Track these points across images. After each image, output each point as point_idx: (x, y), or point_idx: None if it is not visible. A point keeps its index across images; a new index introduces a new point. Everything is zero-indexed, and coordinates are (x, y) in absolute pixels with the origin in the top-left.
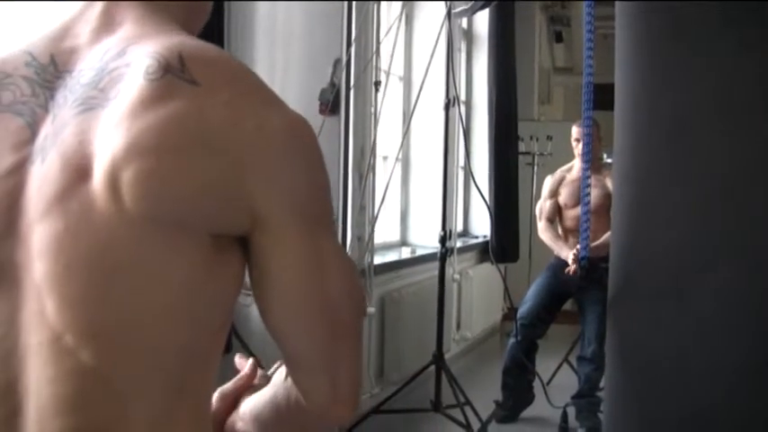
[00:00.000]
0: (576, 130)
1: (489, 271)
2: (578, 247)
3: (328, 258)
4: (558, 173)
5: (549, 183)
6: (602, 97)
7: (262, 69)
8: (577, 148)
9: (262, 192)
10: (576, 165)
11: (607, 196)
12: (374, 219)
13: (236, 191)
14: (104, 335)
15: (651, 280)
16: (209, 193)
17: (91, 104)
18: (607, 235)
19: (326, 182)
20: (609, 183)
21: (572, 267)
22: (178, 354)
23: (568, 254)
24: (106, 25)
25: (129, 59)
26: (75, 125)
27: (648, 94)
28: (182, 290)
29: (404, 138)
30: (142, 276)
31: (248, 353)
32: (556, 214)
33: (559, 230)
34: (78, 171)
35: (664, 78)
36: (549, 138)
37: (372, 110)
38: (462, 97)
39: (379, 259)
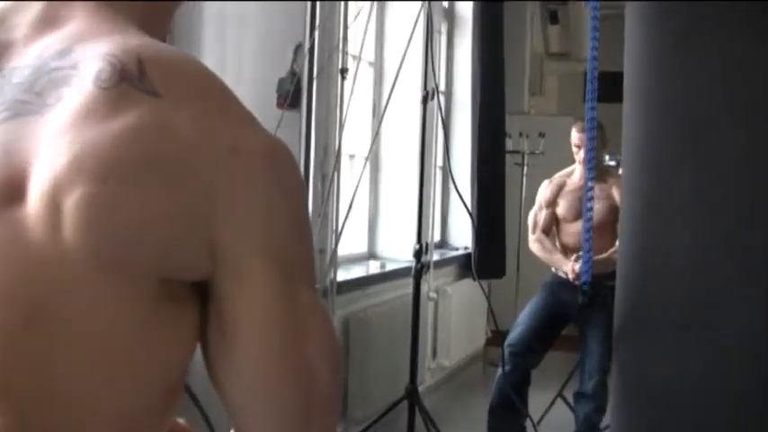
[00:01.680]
0: (576, 136)
1: (471, 288)
2: (579, 254)
3: (306, 314)
4: (557, 179)
5: (545, 190)
6: (602, 88)
7: (210, 57)
8: (578, 154)
9: (230, 227)
10: (578, 170)
11: (613, 209)
12: (339, 228)
13: (199, 225)
14: (18, 392)
15: (665, 304)
16: (166, 225)
17: (22, 110)
18: (614, 248)
19: (308, 218)
20: (616, 193)
21: (571, 275)
22: (116, 420)
23: (569, 267)
24: (49, 19)
25: (75, 60)
26: (0, 134)
27: (663, 96)
28: (123, 345)
29: (374, 134)
30: (73, 325)
31: (201, 415)
32: (552, 227)
33: (557, 245)
34: (4, 190)
35: (679, 76)
36: (542, 134)
37: (338, 102)
38: (442, 87)
39: (343, 275)
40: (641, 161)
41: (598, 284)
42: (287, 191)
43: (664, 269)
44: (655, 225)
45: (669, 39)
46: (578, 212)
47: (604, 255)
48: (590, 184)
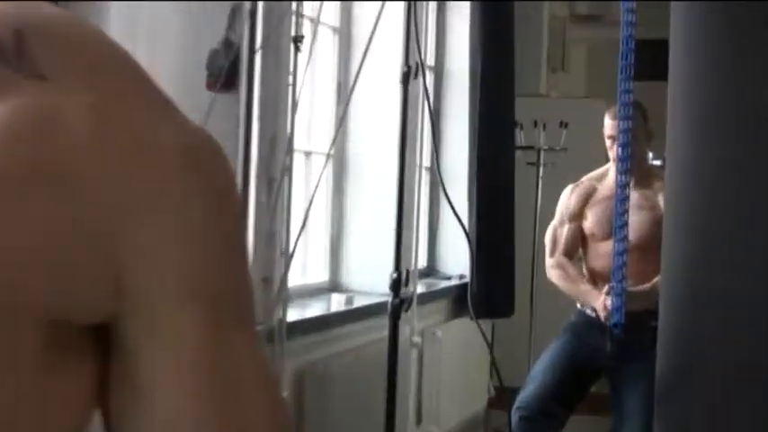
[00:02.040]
0: (610, 125)
1: (468, 331)
2: (609, 285)
3: (240, 367)
4: (585, 183)
5: (569, 198)
6: (648, 60)
7: (116, 23)
8: (612, 149)
9: (139, 255)
10: (613, 172)
11: (660, 223)
12: (290, 249)
13: (97, 252)
14: None
15: (725, 352)
16: (54, 251)
17: None
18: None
19: (243, 241)
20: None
21: (602, 312)
22: None
23: (599, 302)
24: None
25: None
26: None
27: (720, 89)
28: None
29: (339, 124)
30: None
31: None
32: (578, 247)
33: (584, 272)
34: None
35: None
36: (564, 124)
37: (291, 81)
38: (430, 62)
39: (296, 313)
40: (691, 161)
41: (637, 325)
42: (214, 205)
43: (723, 303)
44: (709, 244)
45: (728, 34)
46: (612, 228)
47: (647, 285)
48: (622, 190)
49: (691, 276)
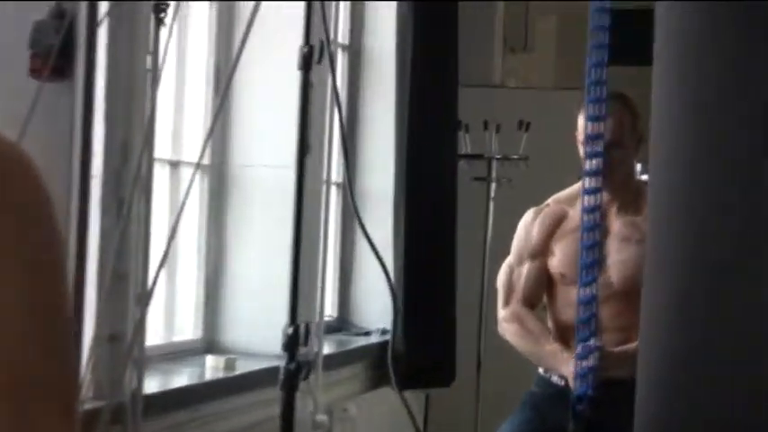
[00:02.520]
0: (584, 124)
1: (392, 406)
2: (591, 343)
3: None
4: (553, 206)
5: (530, 225)
6: (632, 38)
7: None
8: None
9: None
10: (578, 195)
11: None
12: (148, 292)
13: None
14: None
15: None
16: None
17: None
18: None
19: (61, 291)
20: None
21: (572, 381)
22: None
23: (569, 368)
24: None
25: None
26: None
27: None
28: None
29: (213, 124)
30: None
31: None
32: (542, 293)
33: (550, 326)
34: None
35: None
36: (525, 125)
37: (149, 65)
38: (343, 39)
39: (157, 383)
40: (680, 172)
41: (618, 399)
42: (20, 244)
43: (718, 367)
44: (706, 287)
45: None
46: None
47: (631, 345)
48: (589, 216)
49: (675, 332)
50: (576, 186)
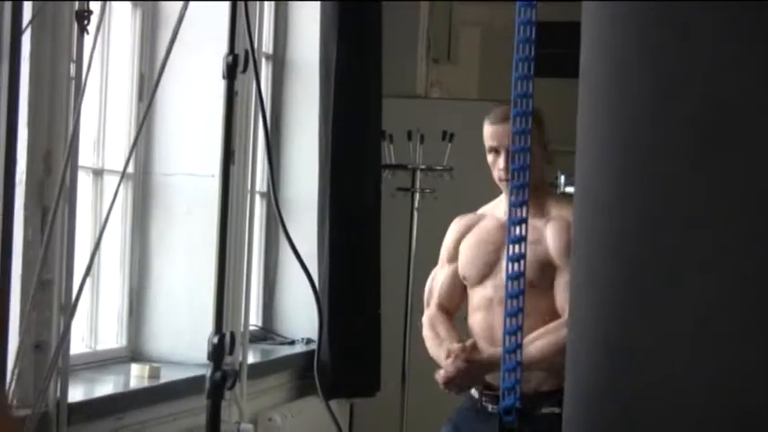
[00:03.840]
0: (490, 131)
1: (318, 415)
2: (465, 344)
3: None
4: (475, 214)
5: (450, 232)
6: (553, 51)
7: None
8: (496, 166)
9: None
10: (500, 203)
11: (544, 266)
12: (71, 302)
13: None
14: None
15: None
16: None
17: None
18: (542, 343)
19: None
20: (552, 238)
21: (440, 382)
22: None
23: (440, 373)
24: None
25: None
26: None
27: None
28: None
29: (139, 132)
30: None
31: None
32: (458, 297)
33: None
34: None
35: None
36: (449, 135)
37: (73, 72)
38: (267, 49)
39: (81, 391)
40: (606, 182)
41: (528, 413)
42: None
43: (644, 378)
44: (628, 296)
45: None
46: (489, 268)
47: (498, 349)
48: (517, 212)
49: (602, 345)
50: (498, 199)
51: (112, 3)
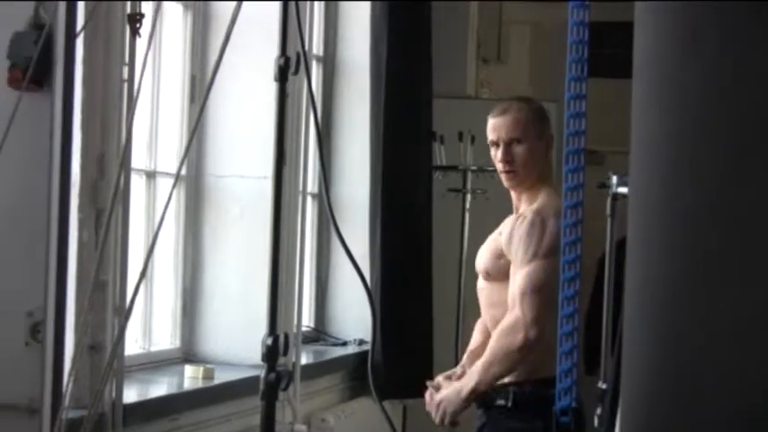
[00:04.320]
0: (489, 124)
1: (371, 416)
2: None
3: None
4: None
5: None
6: (605, 51)
7: None
8: (497, 159)
9: None
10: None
11: (499, 256)
12: (127, 305)
13: None
14: None
15: None
16: None
17: None
18: (482, 361)
19: None
20: (508, 226)
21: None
22: None
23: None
24: None
25: None
26: None
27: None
28: None
29: (192, 135)
30: None
31: None
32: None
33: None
34: None
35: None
36: None
37: (126, 76)
38: (318, 50)
39: (136, 392)
40: (662, 190)
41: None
42: None
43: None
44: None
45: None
46: (482, 261)
47: (477, 363)
48: (572, 228)
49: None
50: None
51: (163, 4)
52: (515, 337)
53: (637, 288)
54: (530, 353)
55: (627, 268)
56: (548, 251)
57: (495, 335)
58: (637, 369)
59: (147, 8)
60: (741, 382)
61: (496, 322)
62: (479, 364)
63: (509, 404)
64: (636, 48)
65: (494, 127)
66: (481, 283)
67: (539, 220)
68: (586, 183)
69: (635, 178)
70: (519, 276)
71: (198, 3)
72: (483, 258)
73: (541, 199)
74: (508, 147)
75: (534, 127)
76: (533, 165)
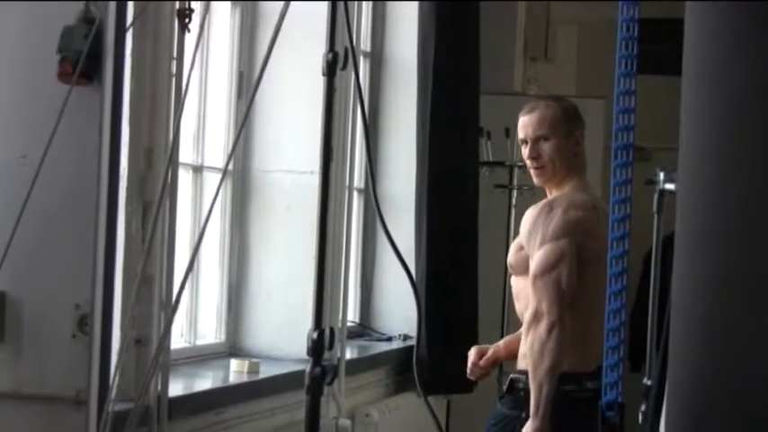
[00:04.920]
0: (519, 122)
1: (415, 411)
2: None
3: None
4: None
5: None
6: (654, 48)
7: None
8: (525, 155)
9: None
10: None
11: (519, 248)
12: (173, 299)
13: None
14: None
15: None
16: None
17: None
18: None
19: None
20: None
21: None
22: None
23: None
24: None
25: None
26: None
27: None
28: None
29: (240, 130)
30: None
31: None
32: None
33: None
34: None
35: None
36: None
37: (174, 70)
38: (365, 46)
39: (181, 386)
40: (714, 188)
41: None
42: None
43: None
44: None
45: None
46: (523, 262)
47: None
48: (620, 223)
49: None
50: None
51: (213, 2)
52: (538, 326)
53: (684, 284)
54: (562, 330)
55: (675, 264)
56: (553, 235)
57: (524, 333)
58: (683, 365)
59: (195, 6)
60: None
61: (521, 315)
62: (530, 370)
63: (504, 389)
64: (685, 47)
65: (522, 125)
66: (511, 277)
67: (546, 210)
68: (633, 179)
69: (684, 176)
70: (531, 264)
71: (247, 5)
72: (510, 252)
73: (561, 192)
74: (535, 144)
75: (562, 125)
76: (561, 161)
